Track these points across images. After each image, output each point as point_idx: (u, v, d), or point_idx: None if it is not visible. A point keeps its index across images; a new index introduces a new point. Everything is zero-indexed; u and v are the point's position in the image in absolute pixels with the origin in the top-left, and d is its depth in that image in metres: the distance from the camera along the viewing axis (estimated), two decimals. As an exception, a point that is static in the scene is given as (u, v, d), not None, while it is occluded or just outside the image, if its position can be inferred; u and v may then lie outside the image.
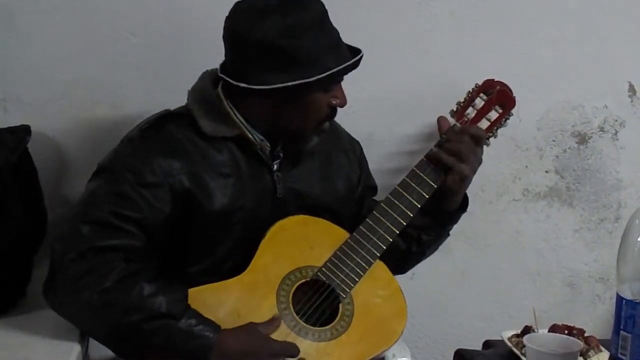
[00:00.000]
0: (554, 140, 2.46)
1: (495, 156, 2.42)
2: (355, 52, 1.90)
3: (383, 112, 2.31)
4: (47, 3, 2.17)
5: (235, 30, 1.87)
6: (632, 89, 2.45)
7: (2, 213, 1.96)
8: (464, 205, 2.10)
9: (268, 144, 1.92)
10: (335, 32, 1.89)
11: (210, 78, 1.94)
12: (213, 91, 1.91)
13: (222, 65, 1.91)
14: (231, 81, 1.85)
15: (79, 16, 2.18)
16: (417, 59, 2.34)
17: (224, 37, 1.90)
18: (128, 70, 2.21)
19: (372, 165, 2.28)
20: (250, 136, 1.89)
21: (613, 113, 2.46)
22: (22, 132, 2.07)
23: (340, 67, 1.85)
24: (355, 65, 1.88)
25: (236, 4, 1.89)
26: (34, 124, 2.10)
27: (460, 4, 2.34)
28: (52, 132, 2.20)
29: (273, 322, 1.84)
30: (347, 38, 2.17)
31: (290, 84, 1.82)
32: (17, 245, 1.99)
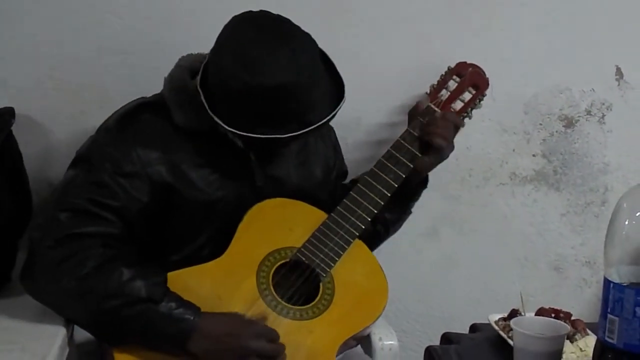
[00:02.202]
0: (541, 124, 2.46)
1: (483, 140, 2.42)
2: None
3: (370, 97, 2.31)
4: (31, -15, 2.15)
5: (217, 65, 1.83)
6: (619, 72, 2.45)
7: (-14, 197, 1.95)
8: (424, 181, 2.13)
9: (241, 142, 1.90)
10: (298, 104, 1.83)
11: (187, 66, 1.92)
12: (190, 82, 1.89)
13: (204, 73, 1.87)
14: (207, 109, 1.82)
15: (64, -1, 2.17)
16: (405, 43, 2.33)
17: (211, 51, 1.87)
18: (113, 54, 2.19)
19: (359, 150, 2.29)
20: (224, 132, 1.87)
21: (600, 97, 2.46)
22: (7, 115, 2.06)
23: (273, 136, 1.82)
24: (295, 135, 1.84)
25: (232, 28, 1.85)
26: (18, 107, 2.08)
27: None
28: (36, 115, 2.18)
29: (258, 317, 1.84)
30: (336, 24, 2.18)
31: (259, 136, 1.81)
32: (2, 229, 1.98)
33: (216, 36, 1.87)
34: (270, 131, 1.81)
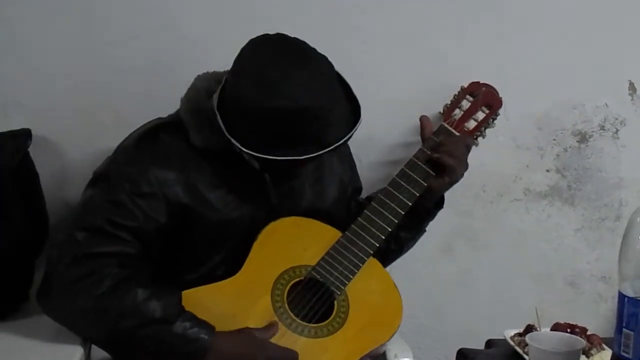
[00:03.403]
0: (554, 140, 2.46)
1: (496, 156, 2.42)
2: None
3: (382, 115, 2.31)
4: (47, 8, 2.17)
5: (235, 87, 1.84)
6: (632, 87, 2.45)
7: (4, 217, 1.97)
8: (440, 202, 2.14)
9: (257, 164, 1.90)
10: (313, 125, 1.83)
11: (203, 87, 1.93)
12: (207, 102, 1.89)
13: (221, 94, 1.88)
14: (226, 134, 1.82)
15: (79, 21, 2.18)
16: (415, 60, 2.34)
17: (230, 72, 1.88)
18: (128, 74, 2.21)
19: (373, 170, 2.29)
20: (240, 152, 1.87)
21: (613, 112, 2.46)
22: (23, 136, 2.08)
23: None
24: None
25: (249, 51, 1.85)
26: (34, 128, 2.11)
27: (459, 4, 2.34)
28: (53, 136, 2.20)
29: (270, 329, 1.84)
30: (346, 39, 2.18)
31: (277, 158, 1.81)
32: (19, 249, 2.00)
33: (232, 56, 1.87)
34: (287, 153, 1.82)
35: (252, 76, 1.81)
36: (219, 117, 1.83)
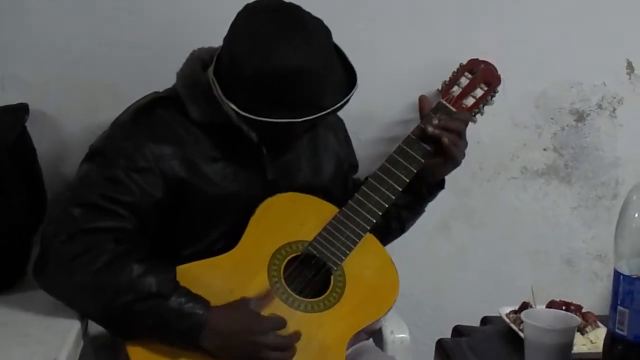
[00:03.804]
0: (552, 118, 2.46)
1: (494, 134, 2.42)
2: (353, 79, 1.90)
3: (380, 92, 2.31)
4: (45, -18, 2.17)
5: (231, 52, 1.85)
6: (630, 66, 2.45)
7: (1, 193, 1.96)
8: (441, 182, 2.14)
9: (255, 135, 1.91)
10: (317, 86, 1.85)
11: (199, 60, 1.93)
12: (202, 75, 1.90)
13: (217, 60, 1.89)
14: (224, 98, 1.84)
15: (77, -5, 2.18)
16: (414, 38, 2.33)
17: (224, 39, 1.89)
18: (125, 49, 2.21)
19: (371, 147, 2.29)
20: (237, 124, 1.88)
21: (611, 90, 2.46)
22: (20, 111, 2.07)
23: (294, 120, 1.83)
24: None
25: (245, 16, 1.86)
26: (32, 103, 2.10)
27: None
28: (50, 111, 2.20)
29: (265, 297, 1.85)
30: (344, 15, 2.18)
31: (275, 120, 1.82)
32: (17, 225, 2.00)
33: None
34: (285, 115, 1.82)
35: (247, 39, 1.82)
36: (216, 83, 1.83)
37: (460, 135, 2.06)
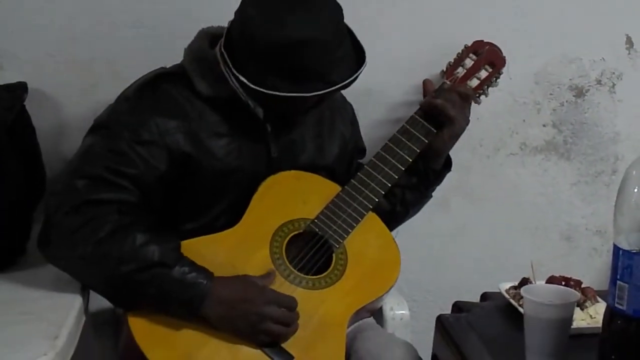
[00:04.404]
0: (551, 94, 2.46)
1: (493, 110, 2.42)
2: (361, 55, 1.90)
3: (384, 73, 2.31)
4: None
5: (243, 24, 1.85)
6: (629, 41, 2.45)
7: (1, 172, 1.96)
8: (448, 164, 2.14)
9: (261, 110, 1.91)
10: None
11: (207, 37, 1.94)
12: (210, 51, 1.90)
13: (227, 35, 1.89)
14: (234, 71, 1.84)
15: (74, -27, 2.17)
16: (414, 16, 2.33)
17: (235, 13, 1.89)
18: (124, 27, 2.20)
19: (370, 124, 2.29)
20: (244, 99, 1.89)
21: (610, 66, 2.46)
22: (19, 90, 2.07)
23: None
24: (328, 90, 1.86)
25: None
26: (30, 81, 2.10)
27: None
28: (49, 89, 2.20)
29: (268, 276, 1.86)
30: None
31: (284, 94, 1.82)
32: (16, 203, 2.00)
33: (232, 10, 1.88)
34: (293, 89, 1.82)
35: (258, 10, 1.83)
36: (226, 55, 1.84)
37: (461, 101, 2.06)
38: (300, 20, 1.81)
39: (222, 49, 1.86)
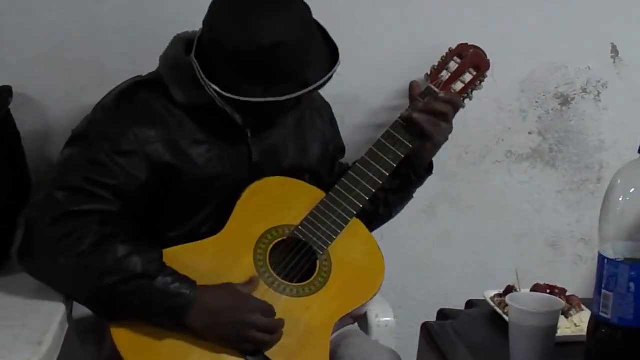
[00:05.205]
0: (537, 102, 2.47)
1: (479, 118, 2.42)
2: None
3: (368, 76, 2.31)
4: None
5: (211, 31, 1.85)
6: (614, 50, 2.46)
7: (-15, 176, 1.95)
8: (430, 167, 2.14)
9: (239, 116, 1.90)
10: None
11: (182, 43, 1.93)
12: (185, 58, 1.89)
13: (198, 43, 1.88)
14: (205, 80, 1.84)
15: (60, -24, 2.17)
16: (402, 20, 2.33)
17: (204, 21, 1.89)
18: (110, 31, 2.19)
19: (354, 128, 2.29)
20: (221, 106, 1.88)
21: (596, 74, 2.47)
22: (4, 94, 2.06)
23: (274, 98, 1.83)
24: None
25: None
26: (15, 85, 2.08)
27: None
28: (34, 93, 2.18)
29: (251, 283, 1.85)
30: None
31: (257, 99, 1.82)
32: (1, 207, 1.98)
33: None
34: (267, 93, 1.82)
35: (226, 16, 1.82)
36: (197, 65, 1.83)
37: (445, 116, 2.05)
38: (268, 23, 1.81)
39: (194, 58, 1.85)
